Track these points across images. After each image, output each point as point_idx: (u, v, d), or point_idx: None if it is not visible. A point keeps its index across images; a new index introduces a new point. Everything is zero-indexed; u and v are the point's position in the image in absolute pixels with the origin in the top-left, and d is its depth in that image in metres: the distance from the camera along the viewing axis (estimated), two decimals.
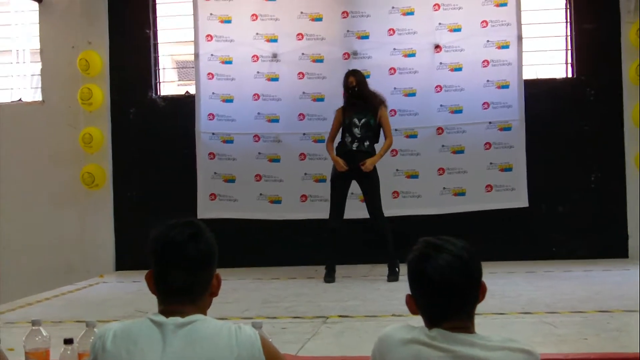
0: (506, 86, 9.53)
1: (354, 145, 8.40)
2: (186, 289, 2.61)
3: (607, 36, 9.88)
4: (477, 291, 2.55)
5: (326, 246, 8.60)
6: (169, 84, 11.26)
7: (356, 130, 8.40)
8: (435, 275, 2.49)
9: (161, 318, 2.56)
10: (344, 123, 8.49)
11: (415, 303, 2.59)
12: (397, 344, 2.53)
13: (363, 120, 8.40)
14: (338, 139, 8.59)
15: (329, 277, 8.46)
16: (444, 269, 2.49)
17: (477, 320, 2.56)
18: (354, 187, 8.63)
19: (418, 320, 2.59)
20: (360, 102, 8.46)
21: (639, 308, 5.84)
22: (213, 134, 9.87)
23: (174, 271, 2.60)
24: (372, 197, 8.47)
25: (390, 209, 8.73)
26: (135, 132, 10.46)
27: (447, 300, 2.51)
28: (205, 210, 9.73)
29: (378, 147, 8.54)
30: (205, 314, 2.64)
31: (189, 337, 2.51)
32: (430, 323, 2.53)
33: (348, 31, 9.84)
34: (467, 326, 2.52)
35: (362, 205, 8.81)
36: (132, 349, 2.51)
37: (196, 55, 9.91)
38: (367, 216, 8.59)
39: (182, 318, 2.55)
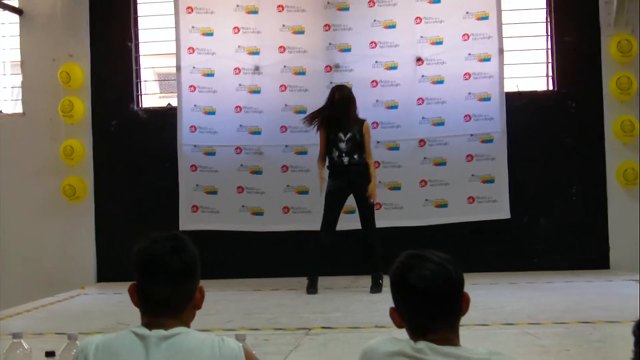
0: (488, 99, 9.58)
1: (345, 160, 8.41)
2: (169, 301, 2.60)
3: (588, 49, 9.95)
4: (461, 301, 2.55)
5: (311, 257, 8.59)
6: (151, 96, 11.25)
7: (342, 145, 8.40)
8: (418, 284, 2.49)
9: (144, 331, 2.54)
10: (329, 138, 8.49)
11: (400, 315, 2.59)
12: (382, 357, 2.52)
13: (349, 134, 8.41)
14: None
15: (312, 288, 8.45)
16: (427, 277, 2.49)
17: (461, 331, 2.56)
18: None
19: (402, 333, 2.59)
20: (342, 119, 8.45)
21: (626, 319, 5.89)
22: (195, 146, 9.86)
23: (157, 284, 2.59)
24: (366, 207, 8.48)
25: None
26: (116, 144, 10.42)
27: (431, 309, 2.51)
28: (188, 222, 9.72)
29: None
30: (188, 326, 2.63)
31: (172, 350, 2.49)
32: (415, 335, 2.53)
33: (330, 44, 9.87)
34: (452, 338, 2.52)
35: (347, 217, 8.82)
36: None
37: (178, 67, 9.91)
38: (352, 228, 8.62)
39: (166, 331, 2.54)
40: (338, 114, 8.46)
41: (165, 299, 2.59)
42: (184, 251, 2.62)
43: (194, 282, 2.66)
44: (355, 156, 8.42)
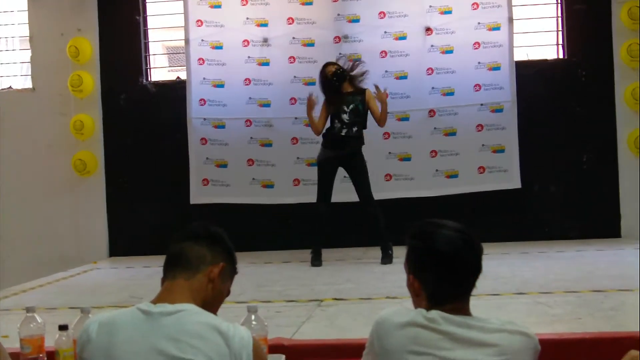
0: (497, 68, 9.53)
1: (343, 131, 8.32)
2: (181, 256, 2.66)
3: (598, 16, 9.87)
4: (480, 267, 2.57)
5: (314, 229, 8.57)
6: (160, 70, 11.21)
7: (345, 116, 8.31)
8: (446, 248, 2.51)
9: (149, 306, 2.55)
10: (332, 111, 8.43)
11: (422, 283, 2.58)
12: (395, 327, 2.53)
13: (352, 105, 8.33)
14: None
15: (317, 261, 8.43)
16: (455, 242, 2.51)
17: (472, 301, 2.56)
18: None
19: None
20: (344, 90, 8.37)
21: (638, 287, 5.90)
22: (204, 119, 9.84)
23: (176, 242, 2.72)
24: (361, 183, 8.41)
25: (383, 191, 8.73)
26: (126, 118, 10.43)
27: (456, 274, 2.52)
28: (198, 195, 9.74)
29: (366, 133, 8.49)
30: (199, 300, 2.62)
31: (175, 328, 2.47)
32: (431, 304, 2.53)
33: (339, 15, 9.82)
34: (465, 308, 2.53)
35: (353, 188, 8.81)
36: (114, 339, 2.50)
37: (186, 40, 9.87)
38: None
39: (171, 305, 2.54)
40: (340, 81, 8.39)
41: (178, 253, 2.67)
42: (216, 228, 2.80)
43: (212, 250, 2.73)
44: (354, 129, 8.33)
